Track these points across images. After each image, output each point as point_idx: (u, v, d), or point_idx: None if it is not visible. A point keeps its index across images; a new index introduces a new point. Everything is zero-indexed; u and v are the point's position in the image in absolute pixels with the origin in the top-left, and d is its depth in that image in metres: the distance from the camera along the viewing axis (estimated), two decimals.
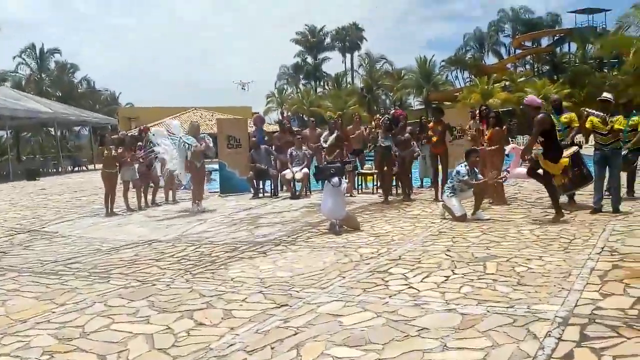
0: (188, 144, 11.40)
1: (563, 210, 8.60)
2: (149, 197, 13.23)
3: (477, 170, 9.52)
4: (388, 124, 11.57)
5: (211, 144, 12.26)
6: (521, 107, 8.73)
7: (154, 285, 5.99)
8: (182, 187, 14.04)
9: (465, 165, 9.29)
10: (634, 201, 9.86)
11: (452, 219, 8.99)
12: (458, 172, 9.29)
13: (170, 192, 13.76)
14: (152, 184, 13.31)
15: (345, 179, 9.75)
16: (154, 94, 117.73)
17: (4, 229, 10.59)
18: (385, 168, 11.53)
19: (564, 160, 8.56)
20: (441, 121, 11.52)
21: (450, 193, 9.26)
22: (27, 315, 5.12)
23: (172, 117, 35.15)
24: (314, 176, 9.88)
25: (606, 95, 9.36)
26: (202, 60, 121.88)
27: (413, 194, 12.10)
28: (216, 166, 15.18)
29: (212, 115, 40.51)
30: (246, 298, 5.31)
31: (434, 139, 11.34)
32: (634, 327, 4.03)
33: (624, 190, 9.91)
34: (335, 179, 8.52)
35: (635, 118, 9.76)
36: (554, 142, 8.41)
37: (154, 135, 11.81)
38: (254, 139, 14.47)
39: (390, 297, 5.08)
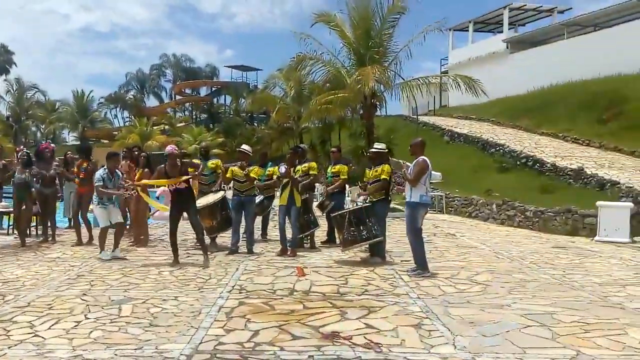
0: None
1: (209, 253, 9.02)
2: None
3: (119, 174, 9.63)
4: (25, 158, 10.79)
5: None
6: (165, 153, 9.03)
7: None
8: None
9: (105, 169, 9.34)
10: (266, 242, 11.01)
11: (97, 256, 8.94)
12: (98, 178, 9.25)
13: None
14: None
15: None
16: None
17: None
18: (24, 206, 10.73)
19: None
20: (90, 160, 11.25)
21: (98, 203, 9.26)
22: None
23: None
24: None
25: (245, 147, 10.35)
26: None
27: (57, 235, 11.39)
28: None
29: None
30: None
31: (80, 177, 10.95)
32: (248, 358, 4.52)
33: (258, 233, 10.99)
34: None
35: (270, 169, 10.55)
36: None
37: None
38: None
39: (10, 347, 4.76)
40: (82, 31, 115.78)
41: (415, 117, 31.24)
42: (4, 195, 12.77)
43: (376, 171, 8.89)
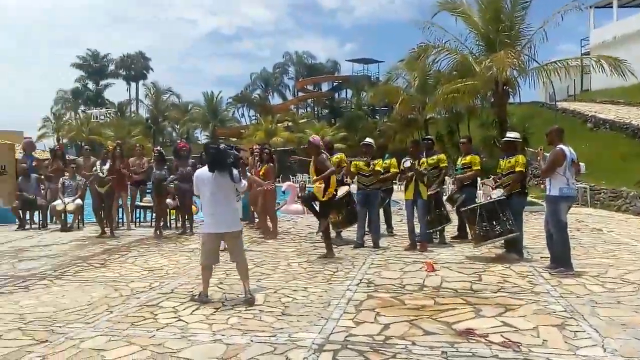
0: None
1: (335, 246, 9.14)
2: None
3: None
4: (157, 155, 11.56)
5: None
6: (304, 146, 9.27)
7: None
8: None
9: None
10: (392, 236, 10.87)
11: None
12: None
13: None
14: None
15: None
16: None
17: None
18: (159, 201, 11.55)
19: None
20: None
21: None
22: None
23: None
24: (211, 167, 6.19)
25: (368, 140, 10.26)
26: None
27: (194, 227, 12.04)
28: None
29: None
30: (1, 335, 5.00)
31: None
32: (379, 351, 4.52)
33: (384, 227, 10.92)
34: (236, 172, 6.25)
35: (387, 161, 10.34)
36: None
37: None
38: (23, 165, 13.44)
39: (158, 330, 5.11)
40: (210, 35, 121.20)
41: (554, 103, 29.16)
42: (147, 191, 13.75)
43: (509, 162, 8.50)
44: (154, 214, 12.44)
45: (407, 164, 9.36)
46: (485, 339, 4.78)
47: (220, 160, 6.11)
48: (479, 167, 10.04)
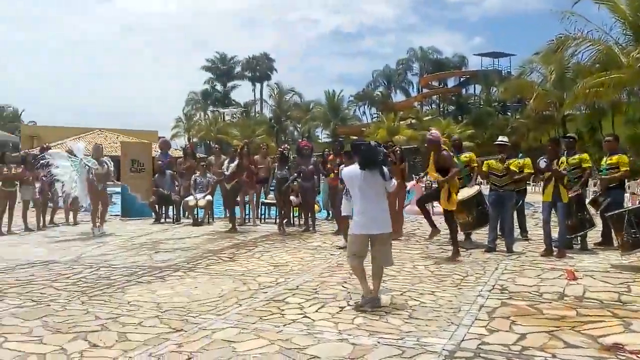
0: (89, 167, 11.15)
1: (461, 247, 8.87)
2: (47, 217, 12.85)
3: None
4: (280, 155, 11.79)
5: (112, 168, 12.04)
6: (426, 144, 8.96)
7: (49, 305, 5.88)
8: (82, 209, 13.62)
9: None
10: (527, 241, 10.26)
11: None
12: None
13: (71, 214, 13.40)
14: (50, 205, 13.04)
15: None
16: (57, 113, 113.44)
17: None
18: (283, 199, 11.79)
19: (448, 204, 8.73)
20: (341, 155, 11.78)
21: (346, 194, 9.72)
22: None
23: (76, 137, 33.98)
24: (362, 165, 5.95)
25: (502, 138, 9.79)
26: (109, 82, 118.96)
27: (317, 225, 12.25)
28: (118, 189, 14.85)
29: (117, 138, 39.47)
30: (142, 322, 5.28)
31: (333, 172, 11.57)
32: None
33: (518, 231, 10.36)
34: (386, 170, 5.98)
35: (521, 160, 9.89)
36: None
37: (51, 156, 11.41)
38: (160, 162, 14.25)
39: (285, 325, 5.17)
40: (332, 34, 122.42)
41: None
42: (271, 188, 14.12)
43: None
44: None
45: (542, 164, 8.86)
46: (637, 356, 4.39)
47: (371, 158, 5.87)
48: (627, 168, 9.26)
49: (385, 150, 6.17)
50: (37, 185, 12.37)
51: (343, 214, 9.53)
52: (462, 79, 65.28)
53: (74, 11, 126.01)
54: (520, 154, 10.21)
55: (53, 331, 5.00)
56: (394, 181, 6.22)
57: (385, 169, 5.92)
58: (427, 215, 9.04)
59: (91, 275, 7.48)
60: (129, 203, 14.34)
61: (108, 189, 12.43)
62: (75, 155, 11.47)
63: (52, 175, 11.33)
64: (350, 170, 6.06)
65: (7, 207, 11.66)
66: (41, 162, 12.02)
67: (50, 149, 13.87)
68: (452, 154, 9.24)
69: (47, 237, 11.23)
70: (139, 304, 5.95)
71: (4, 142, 35.48)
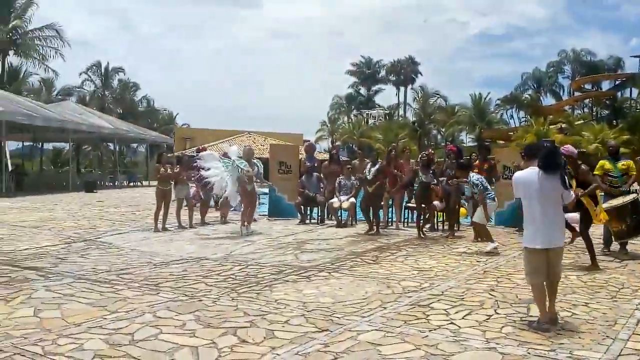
0: (240, 168, 11.67)
1: (615, 258, 8.45)
2: (198, 216, 13.57)
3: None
4: (425, 160, 11.66)
5: (261, 170, 12.55)
6: (580, 149, 8.47)
7: (200, 300, 6.20)
8: (232, 209, 14.33)
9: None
10: None
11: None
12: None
13: (223, 213, 14.05)
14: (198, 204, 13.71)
15: None
16: (208, 116, 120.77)
17: (62, 237, 11.04)
18: (423, 204, 11.73)
19: (603, 214, 8.36)
20: (487, 160, 11.44)
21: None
22: (81, 320, 5.37)
23: (226, 139, 35.92)
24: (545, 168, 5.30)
25: None
26: (257, 86, 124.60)
27: (462, 231, 12.03)
28: (266, 190, 15.45)
29: (264, 140, 41.24)
30: (288, 320, 5.45)
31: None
32: None
33: None
34: (566, 178, 5.49)
35: None
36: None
37: (202, 158, 12.04)
38: (308, 164, 14.64)
39: (430, 331, 5.13)
40: (479, 36, 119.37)
41: None
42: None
43: None
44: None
45: None
46: None
47: (556, 160, 5.32)
48: None
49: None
50: (192, 185, 13.12)
51: (476, 220, 9.42)
52: (617, 82, 61.08)
53: (226, 19, 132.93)
54: None
55: (205, 325, 5.26)
56: (572, 192, 5.72)
57: (565, 175, 5.41)
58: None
59: (240, 272, 7.83)
60: (276, 203, 14.86)
61: (257, 189, 12.95)
62: (228, 157, 12.04)
63: (202, 177, 12.00)
64: (528, 174, 5.43)
65: (163, 204, 12.35)
66: (194, 163, 12.81)
67: (206, 150, 14.67)
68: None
69: (199, 234, 11.82)
70: (285, 302, 6.15)
71: (160, 143, 38.17)
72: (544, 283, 5.35)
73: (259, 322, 5.35)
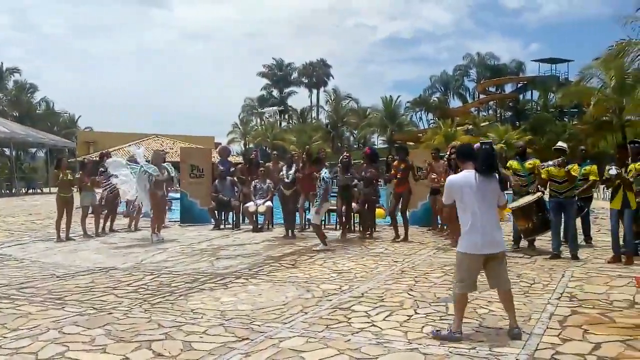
0: (149, 173, 11.25)
1: (524, 254, 8.64)
2: (107, 223, 12.98)
3: None
4: (346, 162, 11.70)
5: (173, 174, 12.18)
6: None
7: (110, 313, 5.86)
8: (142, 216, 13.83)
9: None
10: (591, 248, 10.01)
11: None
12: None
13: (133, 221, 13.53)
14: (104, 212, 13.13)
15: None
16: (114, 118, 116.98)
17: None
18: (344, 205, 11.69)
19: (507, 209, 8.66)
20: (405, 160, 11.60)
21: None
22: None
23: (132, 142, 34.82)
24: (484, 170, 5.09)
25: (561, 144, 9.63)
26: (165, 88, 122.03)
27: (375, 232, 12.11)
28: (177, 195, 15.02)
29: (173, 143, 40.31)
30: (206, 330, 5.22)
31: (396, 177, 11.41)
32: None
33: (581, 238, 10.14)
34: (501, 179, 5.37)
35: (587, 167, 9.93)
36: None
37: (110, 165, 11.52)
38: (221, 168, 14.30)
39: (353, 334, 5.05)
40: (388, 40, 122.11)
41: None
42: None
43: None
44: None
45: (613, 172, 8.45)
46: None
47: (492, 162, 5.14)
48: None
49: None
50: (98, 191, 12.55)
51: (314, 222, 9.85)
52: (519, 85, 64.58)
53: (133, 19, 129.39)
54: (588, 161, 10.11)
55: (116, 340, 4.95)
56: (505, 196, 5.56)
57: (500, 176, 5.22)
58: None
59: (152, 282, 7.49)
60: (187, 209, 14.45)
61: (168, 194, 12.55)
62: (136, 162, 11.58)
63: (111, 185, 11.50)
64: (464, 177, 5.10)
65: (65, 213, 11.65)
66: (100, 170, 12.25)
67: (110, 155, 14.00)
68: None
69: (106, 243, 11.30)
70: (202, 311, 5.91)
71: (61, 147, 36.38)
72: (470, 295, 5.34)
73: (174, 334, 5.09)
